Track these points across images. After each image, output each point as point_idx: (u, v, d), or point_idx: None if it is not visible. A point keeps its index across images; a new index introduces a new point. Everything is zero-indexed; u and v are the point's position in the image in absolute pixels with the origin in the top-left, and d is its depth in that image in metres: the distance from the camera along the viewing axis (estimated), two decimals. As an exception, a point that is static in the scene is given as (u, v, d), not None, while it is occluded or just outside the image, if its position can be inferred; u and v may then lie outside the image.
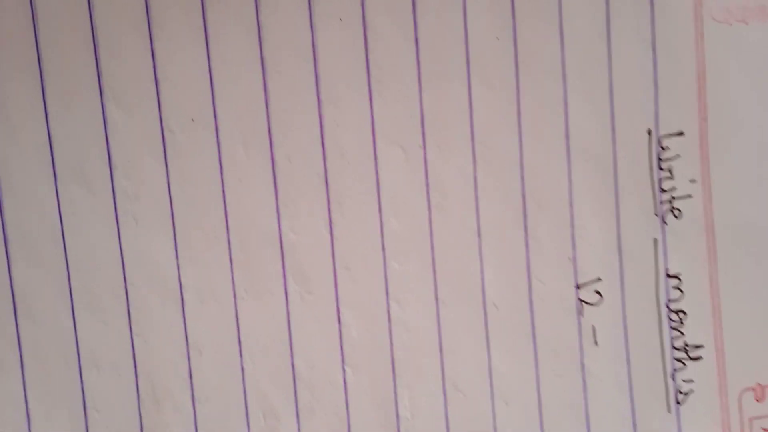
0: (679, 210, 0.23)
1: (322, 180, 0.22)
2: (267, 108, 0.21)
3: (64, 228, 0.21)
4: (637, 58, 0.22)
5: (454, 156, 0.22)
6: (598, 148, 0.23)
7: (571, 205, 0.23)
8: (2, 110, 0.21)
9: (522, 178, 0.22)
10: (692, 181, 0.23)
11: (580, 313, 0.23)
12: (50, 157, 0.21)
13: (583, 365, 0.23)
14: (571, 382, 0.23)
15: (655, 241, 0.23)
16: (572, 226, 0.23)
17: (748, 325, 0.23)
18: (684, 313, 0.23)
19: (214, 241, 0.22)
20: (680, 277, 0.23)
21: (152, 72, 0.21)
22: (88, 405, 0.22)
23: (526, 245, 0.23)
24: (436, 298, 0.22)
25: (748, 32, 0.23)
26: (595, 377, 0.23)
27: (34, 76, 0.21)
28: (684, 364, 0.23)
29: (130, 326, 0.22)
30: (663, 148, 0.23)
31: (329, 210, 0.22)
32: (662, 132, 0.23)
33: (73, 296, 0.21)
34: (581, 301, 0.23)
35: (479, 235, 0.22)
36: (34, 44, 0.20)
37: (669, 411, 0.23)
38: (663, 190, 0.23)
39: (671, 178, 0.23)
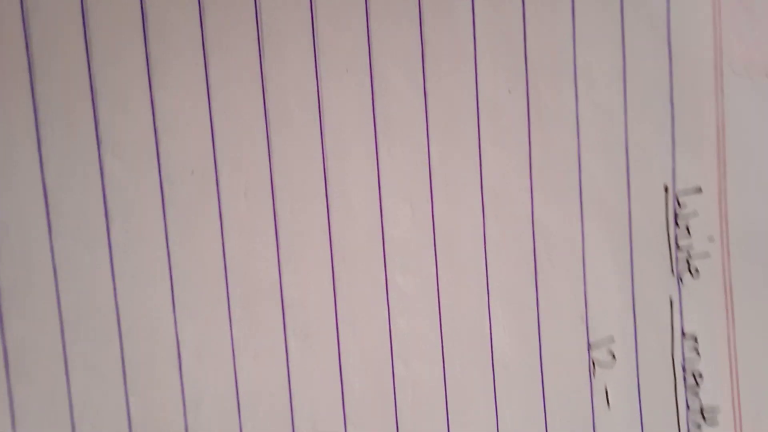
0: (696, 268, 0.22)
1: (326, 234, 0.21)
2: (269, 160, 0.21)
3: (59, 281, 0.20)
4: (655, 112, 0.22)
5: (462, 211, 0.21)
6: (613, 203, 0.22)
7: (583, 261, 0.22)
8: (-3, 160, 0.20)
9: (533, 233, 0.22)
10: (710, 239, 0.22)
11: (592, 373, 0.22)
12: (45, 209, 0.20)
13: (594, 428, 0.22)
14: (582, 446, 0.22)
15: (671, 300, 0.22)
16: (585, 283, 0.22)
17: (766, 388, 0.23)
18: (700, 374, 0.22)
19: (213, 295, 0.21)
20: (697, 337, 0.22)
21: (152, 122, 0.20)
22: (80, 464, 0.21)
23: (537, 303, 0.22)
24: (443, 357, 0.22)
25: (770, 85, 0.22)
26: (606, 441, 0.22)
27: (30, 125, 0.20)
28: (700, 427, 0.22)
29: (125, 384, 0.21)
30: (680, 205, 0.22)
31: (332, 265, 0.21)
32: (679, 188, 0.22)
33: (67, 353, 0.21)
34: (594, 361, 0.22)
35: (488, 292, 0.22)
36: (31, 93, 0.20)
37: (684, 476, 0.23)
38: (679, 248, 0.22)
39: (688, 235, 0.22)
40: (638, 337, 0.22)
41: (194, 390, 0.21)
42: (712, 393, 0.22)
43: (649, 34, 0.21)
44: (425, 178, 0.21)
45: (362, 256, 0.21)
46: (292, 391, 0.21)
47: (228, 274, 0.21)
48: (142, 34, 0.20)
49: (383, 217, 0.21)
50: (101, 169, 0.20)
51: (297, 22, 0.20)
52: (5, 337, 0.20)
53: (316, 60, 0.20)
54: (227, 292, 0.21)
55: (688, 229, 0.22)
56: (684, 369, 0.22)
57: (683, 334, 0.22)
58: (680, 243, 0.22)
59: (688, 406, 0.22)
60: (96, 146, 0.20)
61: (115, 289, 0.21)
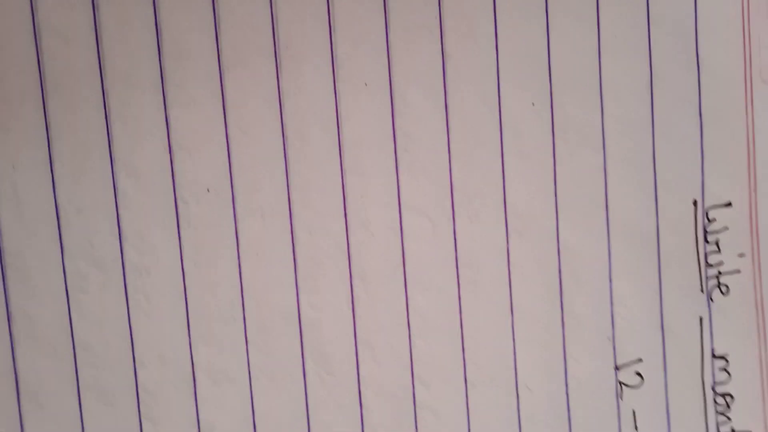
0: (726, 286, 0.21)
1: (344, 253, 0.20)
2: (287, 177, 0.20)
3: (71, 305, 0.20)
4: (683, 124, 0.21)
5: (485, 228, 0.21)
6: (640, 219, 0.21)
7: (610, 280, 0.21)
8: (9, 180, 0.19)
9: (558, 251, 0.21)
10: (741, 255, 0.21)
11: (619, 396, 0.21)
12: (57, 231, 0.20)
13: (622, 452, 0.21)
14: (610, 471, 0.21)
15: (701, 319, 0.22)
16: (611, 303, 0.21)
17: (801, 410, 0.22)
18: (731, 396, 0.22)
19: (228, 318, 0.20)
20: (727, 358, 0.22)
21: (166, 140, 0.20)
22: (93, 492, 0.20)
23: (562, 323, 0.21)
24: (465, 380, 0.21)
25: (802, 97, 0.21)
26: (635, 465, 0.22)
27: (42, 144, 0.19)
28: (732, 451, 0.22)
29: (138, 409, 0.20)
30: (709, 220, 0.21)
31: (351, 285, 0.21)
32: (709, 203, 0.21)
33: (79, 377, 0.20)
34: (621, 383, 0.21)
35: (512, 312, 0.21)
36: (43, 112, 0.19)
37: (715, 502, 0.22)
38: (709, 265, 0.21)
39: (718, 251, 0.21)
40: (667, 358, 0.22)
41: (209, 415, 0.20)
42: (743, 416, 0.22)
43: (676, 45, 0.21)
44: (447, 195, 0.21)
45: (382, 276, 0.21)
46: (309, 415, 0.21)
47: (244, 295, 0.20)
48: (156, 51, 0.19)
49: (403, 237, 0.21)
50: (114, 187, 0.20)
51: (315, 38, 0.20)
52: (16, 362, 0.20)
53: (334, 76, 0.20)
54: (243, 314, 0.20)
55: (718, 245, 0.21)
56: (714, 391, 0.22)
57: (713, 354, 0.22)
58: (710, 259, 0.21)
59: (718, 430, 0.22)
60: (109, 165, 0.20)
61: (128, 311, 0.20)
